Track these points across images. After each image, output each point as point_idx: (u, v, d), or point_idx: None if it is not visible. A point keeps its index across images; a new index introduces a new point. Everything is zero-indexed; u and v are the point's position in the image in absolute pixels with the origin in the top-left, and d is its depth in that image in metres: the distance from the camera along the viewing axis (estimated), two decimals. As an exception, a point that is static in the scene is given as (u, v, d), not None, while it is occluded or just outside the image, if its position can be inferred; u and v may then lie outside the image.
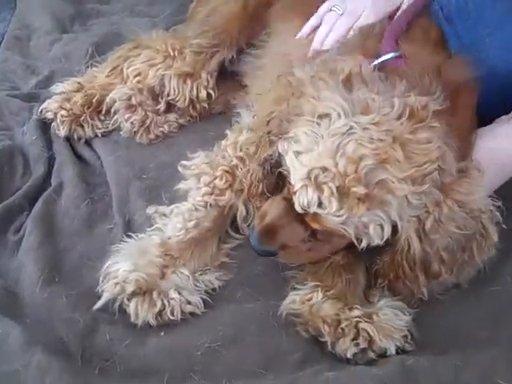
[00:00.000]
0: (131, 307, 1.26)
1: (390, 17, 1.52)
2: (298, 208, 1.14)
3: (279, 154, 1.19)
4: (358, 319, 1.22)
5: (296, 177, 1.13)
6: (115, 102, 1.73)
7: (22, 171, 1.63)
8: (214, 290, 1.34)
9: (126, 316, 1.27)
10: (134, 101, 1.72)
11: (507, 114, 1.41)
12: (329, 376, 1.14)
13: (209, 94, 1.78)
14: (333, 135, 1.09)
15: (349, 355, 1.20)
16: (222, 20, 1.80)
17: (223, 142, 1.49)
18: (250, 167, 1.35)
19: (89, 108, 1.74)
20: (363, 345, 1.19)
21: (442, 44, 1.43)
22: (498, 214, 1.21)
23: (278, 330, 1.26)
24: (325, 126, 1.11)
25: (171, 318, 1.26)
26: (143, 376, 1.18)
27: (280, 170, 1.22)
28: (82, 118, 1.73)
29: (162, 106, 1.76)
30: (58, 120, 1.72)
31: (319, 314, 1.24)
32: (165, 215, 1.44)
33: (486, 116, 1.40)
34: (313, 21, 1.64)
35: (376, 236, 1.12)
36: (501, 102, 1.40)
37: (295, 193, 1.13)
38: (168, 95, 1.75)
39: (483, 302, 1.30)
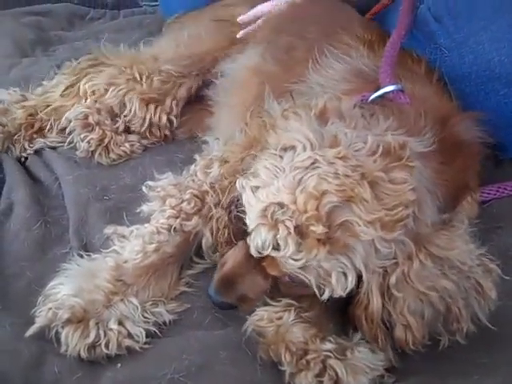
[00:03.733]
0: (62, 336, 1.12)
1: None
2: (253, 251, 1.03)
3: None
4: (327, 353, 1.07)
5: (251, 215, 1.02)
6: (70, 121, 1.64)
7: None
8: (164, 323, 1.20)
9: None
10: (91, 120, 1.63)
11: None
12: (310, 408, 1.00)
13: (170, 121, 1.71)
14: (295, 169, 1.00)
15: None
16: (202, 49, 1.72)
17: (192, 167, 1.38)
18: (215, 211, 1.23)
19: (27, 129, 1.64)
20: None
21: (437, 78, 1.38)
22: (493, 266, 1.07)
23: (252, 359, 1.12)
24: (288, 159, 1.02)
25: (105, 351, 1.12)
26: (95, 412, 1.03)
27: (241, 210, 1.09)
28: (16, 137, 1.63)
29: (120, 125, 1.67)
30: None
31: (285, 338, 1.09)
32: (124, 237, 1.31)
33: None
34: None
35: (339, 286, 1.00)
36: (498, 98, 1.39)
37: (250, 234, 1.02)
38: (125, 116, 1.66)
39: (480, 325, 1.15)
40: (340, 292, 1.01)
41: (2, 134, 1.61)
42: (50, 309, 1.14)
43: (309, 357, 1.06)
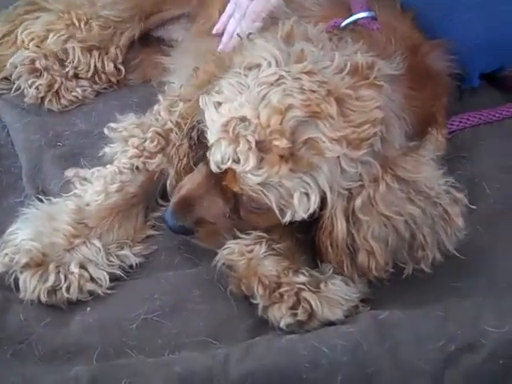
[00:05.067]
0: (21, 281, 1.07)
1: None
2: (212, 166, 1.00)
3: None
4: (301, 286, 1.03)
5: (212, 130, 1.00)
6: (16, 67, 1.55)
7: None
8: (131, 266, 1.16)
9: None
10: (38, 64, 1.55)
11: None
12: (292, 338, 0.97)
13: (118, 69, 1.64)
14: (259, 85, 0.97)
15: (282, 325, 1.02)
16: None
17: (156, 107, 1.33)
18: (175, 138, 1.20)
19: None
20: (302, 317, 1.01)
21: (411, 16, 1.35)
22: (460, 195, 1.05)
23: (226, 296, 1.09)
24: (252, 76, 0.99)
25: (66, 295, 1.07)
26: (67, 356, 1.00)
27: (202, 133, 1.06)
28: None
29: (70, 71, 1.59)
30: None
31: (257, 272, 1.06)
32: (85, 179, 1.25)
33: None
34: (229, 9, 1.49)
35: (301, 207, 0.98)
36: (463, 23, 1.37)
37: (210, 149, 0.99)
38: (71, 62, 1.58)
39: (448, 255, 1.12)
40: (302, 214, 0.99)
41: None
42: (7, 254, 1.09)
43: (282, 289, 1.03)
